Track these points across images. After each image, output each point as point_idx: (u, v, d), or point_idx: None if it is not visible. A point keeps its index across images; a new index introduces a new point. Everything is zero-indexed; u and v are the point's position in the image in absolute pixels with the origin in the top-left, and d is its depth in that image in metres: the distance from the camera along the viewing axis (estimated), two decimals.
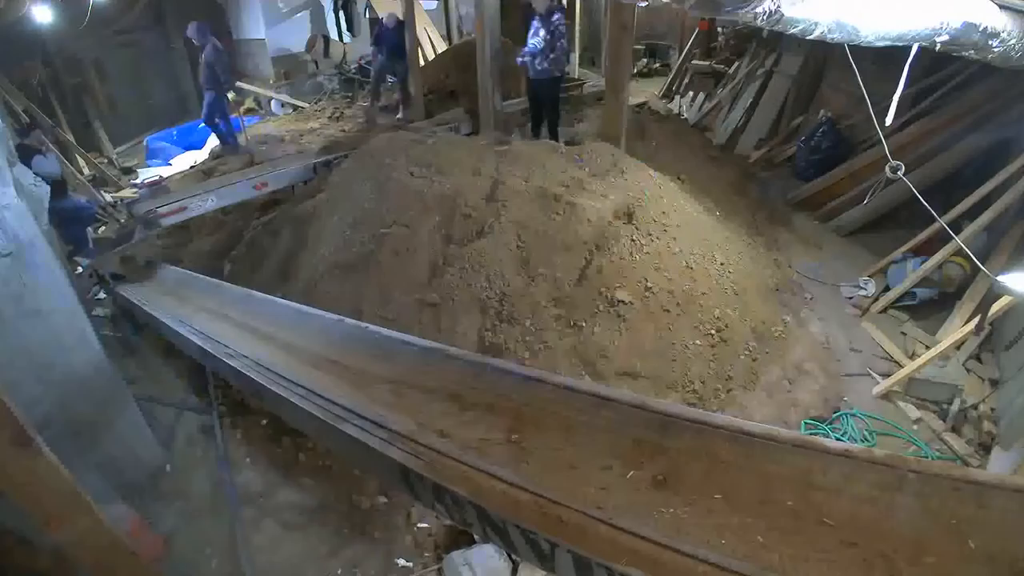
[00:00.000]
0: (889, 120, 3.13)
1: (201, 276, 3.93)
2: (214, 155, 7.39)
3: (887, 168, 3.12)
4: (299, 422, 1.91)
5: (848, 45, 2.85)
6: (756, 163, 6.72)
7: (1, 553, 1.94)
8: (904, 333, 4.01)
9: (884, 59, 3.40)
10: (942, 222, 3.46)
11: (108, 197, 6.82)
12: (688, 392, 3.21)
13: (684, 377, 3.25)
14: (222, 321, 2.98)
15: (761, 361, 3.42)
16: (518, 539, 1.11)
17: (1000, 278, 2.47)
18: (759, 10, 2.31)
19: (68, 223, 4.87)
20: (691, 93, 8.58)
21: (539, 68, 5.43)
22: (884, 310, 4.23)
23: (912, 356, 3.67)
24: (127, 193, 7.01)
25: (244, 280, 4.39)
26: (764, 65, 7.24)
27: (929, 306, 4.17)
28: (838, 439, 3.08)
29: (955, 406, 3.30)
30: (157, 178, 7.40)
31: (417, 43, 7.69)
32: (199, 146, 8.33)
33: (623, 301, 3.31)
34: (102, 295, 4.32)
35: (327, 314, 2.47)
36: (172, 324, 3.03)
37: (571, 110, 7.07)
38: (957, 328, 3.53)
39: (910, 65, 3.06)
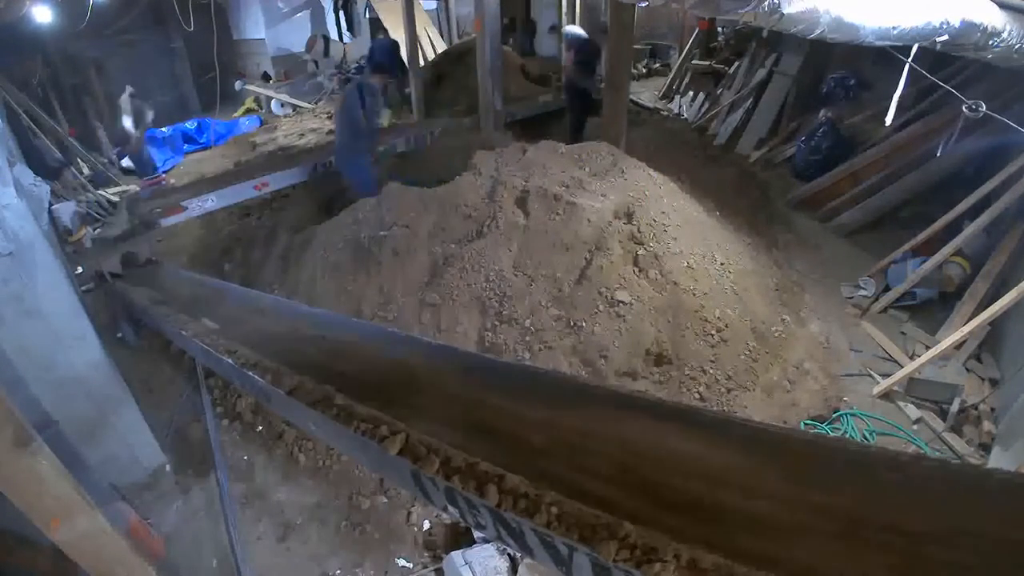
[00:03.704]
0: (889, 120, 3.13)
1: (203, 276, 3.93)
2: None
3: (965, 108, 3.04)
4: (302, 423, 1.89)
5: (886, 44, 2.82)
6: (756, 163, 6.73)
7: (1, 553, 1.94)
8: (904, 333, 4.01)
9: (885, 59, 3.40)
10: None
11: (109, 196, 6.82)
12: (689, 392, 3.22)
13: (684, 377, 3.25)
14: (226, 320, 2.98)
15: (761, 361, 3.42)
16: (534, 541, 1.10)
17: None
18: (759, 9, 2.31)
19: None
20: (691, 93, 8.58)
21: None
22: (884, 310, 4.23)
23: (912, 356, 3.67)
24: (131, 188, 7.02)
25: (244, 279, 4.40)
26: (764, 65, 7.25)
27: (929, 306, 4.17)
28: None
29: (955, 406, 3.29)
30: (158, 177, 7.40)
31: (416, 43, 7.70)
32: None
33: (623, 301, 3.31)
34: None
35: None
36: (173, 324, 3.02)
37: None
38: (957, 328, 3.53)
39: (910, 65, 3.07)
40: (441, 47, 9.67)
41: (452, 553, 2.45)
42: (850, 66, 6.84)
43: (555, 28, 8.62)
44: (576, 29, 7.17)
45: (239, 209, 5.71)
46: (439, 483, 1.20)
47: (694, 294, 3.44)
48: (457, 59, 8.21)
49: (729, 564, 0.88)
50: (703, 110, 8.06)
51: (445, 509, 1.27)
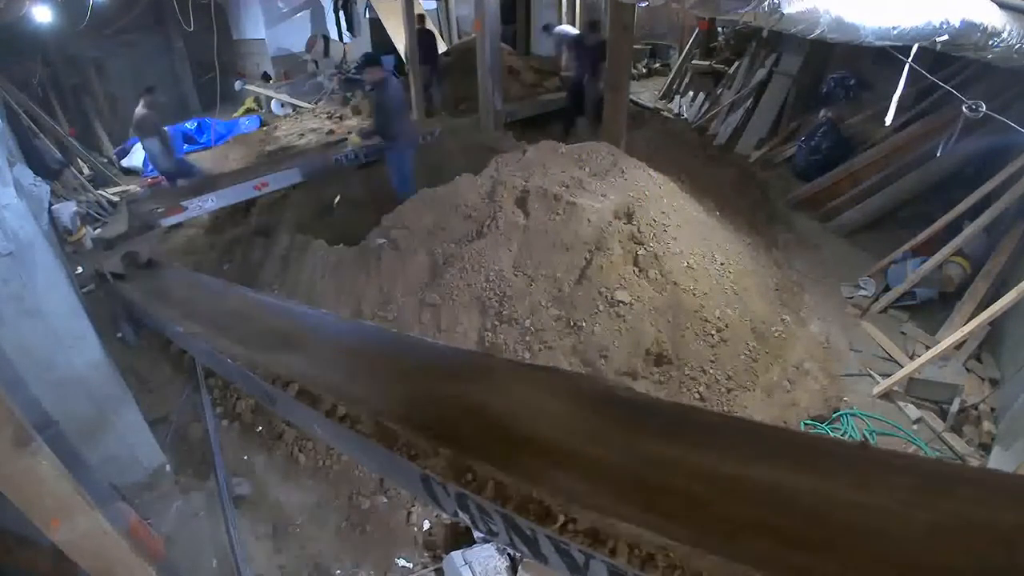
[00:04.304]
0: (889, 120, 3.12)
1: (203, 276, 3.93)
2: None
3: (964, 108, 3.03)
4: (307, 425, 1.87)
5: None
6: (756, 163, 6.73)
7: (1, 553, 1.94)
8: (904, 333, 4.01)
9: (885, 59, 3.40)
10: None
11: (109, 196, 6.83)
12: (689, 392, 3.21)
13: (684, 377, 3.24)
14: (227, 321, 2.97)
15: (761, 361, 3.42)
16: (548, 549, 1.08)
17: None
18: (759, 9, 2.31)
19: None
20: (691, 93, 8.57)
21: None
22: (884, 310, 4.23)
23: (912, 356, 3.67)
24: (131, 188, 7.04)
25: (244, 279, 4.39)
26: (764, 65, 7.24)
27: (929, 306, 4.17)
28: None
29: (955, 406, 3.29)
30: (158, 177, 7.41)
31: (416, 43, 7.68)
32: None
33: (623, 301, 3.31)
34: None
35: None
36: (174, 325, 3.01)
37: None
38: (957, 328, 3.53)
39: (910, 65, 3.06)
40: (441, 47, 9.66)
41: (452, 553, 2.45)
42: (850, 66, 6.84)
43: (548, 27, 8.60)
44: (567, 28, 7.21)
45: (238, 210, 5.71)
46: (450, 489, 1.19)
47: (694, 294, 3.44)
48: (457, 59, 8.21)
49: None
50: (703, 110, 8.05)
51: (455, 514, 1.25)
